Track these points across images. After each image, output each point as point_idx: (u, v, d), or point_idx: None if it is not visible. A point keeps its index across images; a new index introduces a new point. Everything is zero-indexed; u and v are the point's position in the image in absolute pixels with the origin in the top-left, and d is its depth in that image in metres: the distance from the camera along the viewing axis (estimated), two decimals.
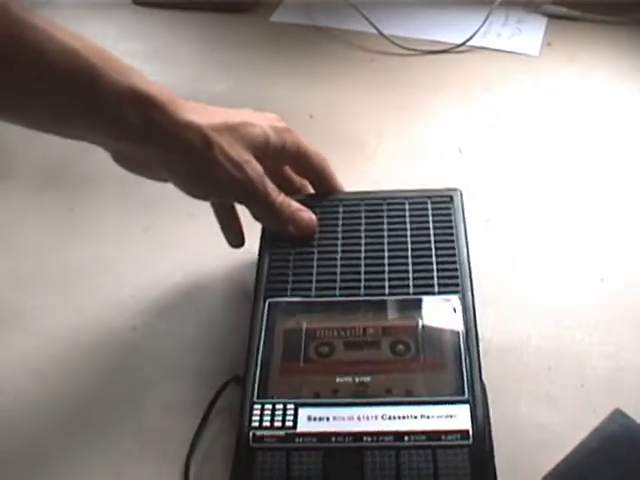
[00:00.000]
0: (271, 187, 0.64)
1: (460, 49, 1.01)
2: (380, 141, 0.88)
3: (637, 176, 0.82)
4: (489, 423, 0.56)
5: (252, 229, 0.69)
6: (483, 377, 0.57)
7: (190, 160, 0.60)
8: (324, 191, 0.70)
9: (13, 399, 0.66)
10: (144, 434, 0.63)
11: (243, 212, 0.68)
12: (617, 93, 0.93)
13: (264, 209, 0.65)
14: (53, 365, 0.68)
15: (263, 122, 0.64)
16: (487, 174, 0.83)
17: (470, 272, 0.63)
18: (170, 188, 0.76)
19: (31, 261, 0.78)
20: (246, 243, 0.71)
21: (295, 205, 0.67)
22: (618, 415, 0.59)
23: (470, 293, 0.61)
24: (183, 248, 0.77)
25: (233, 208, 0.69)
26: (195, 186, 0.63)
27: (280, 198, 0.65)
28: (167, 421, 0.63)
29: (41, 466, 0.61)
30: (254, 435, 0.55)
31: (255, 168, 0.62)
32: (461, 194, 0.69)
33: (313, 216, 0.68)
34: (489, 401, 0.57)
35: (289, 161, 0.68)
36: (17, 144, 0.91)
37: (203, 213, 0.73)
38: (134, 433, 0.63)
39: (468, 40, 1.01)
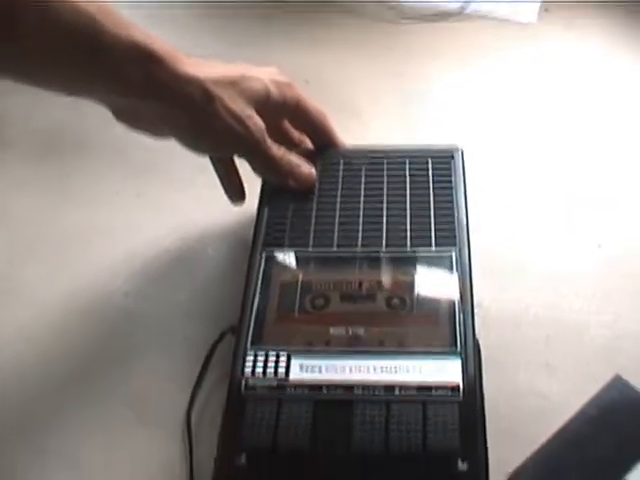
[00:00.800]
0: (271, 141, 0.63)
1: (457, 16, 0.99)
2: (376, 108, 0.87)
3: (634, 141, 0.81)
4: (481, 380, 0.56)
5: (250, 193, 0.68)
6: (477, 334, 0.57)
7: (191, 114, 0.59)
8: (323, 146, 0.69)
9: (7, 364, 0.65)
10: (138, 399, 0.62)
11: (242, 165, 0.66)
12: (614, 59, 0.91)
13: (264, 163, 0.64)
14: (47, 331, 0.67)
15: (264, 76, 0.62)
16: (484, 140, 0.82)
17: (468, 229, 0.62)
18: (163, 154, 0.76)
19: (25, 228, 0.76)
20: (242, 208, 0.70)
21: (295, 159, 0.66)
22: (617, 382, 0.58)
23: (467, 249, 0.60)
24: (177, 213, 0.76)
25: (233, 163, 0.68)
26: (196, 140, 0.62)
27: (280, 152, 0.64)
28: (161, 385, 0.62)
29: (35, 430, 0.61)
30: (246, 383, 0.54)
31: (256, 122, 0.61)
32: (462, 152, 0.68)
33: (313, 170, 0.67)
34: (491, 370, 0.57)
35: (289, 115, 0.67)
36: (12, 113, 0.88)
37: (197, 178, 0.72)
38: (128, 398, 0.62)
39: (465, 7, 0.98)
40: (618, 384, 0.58)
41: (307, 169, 0.66)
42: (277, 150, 0.64)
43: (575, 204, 0.74)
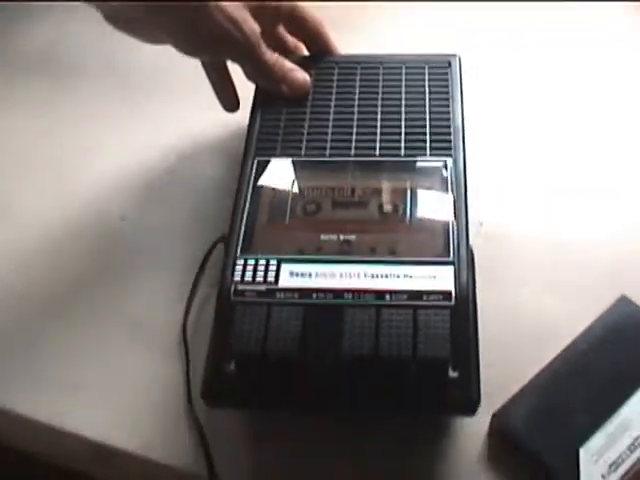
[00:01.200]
0: (265, 46, 0.62)
1: None
2: (375, 22, 0.84)
3: None
4: (474, 287, 0.55)
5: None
6: (471, 242, 0.56)
7: (185, 15, 0.57)
8: (319, 53, 0.67)
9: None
10: (133, 320, 0.61)
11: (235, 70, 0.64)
12: None
13: (258, 67, 0.62)
14: (40, 255, 0.66)
15: None
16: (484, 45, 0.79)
17: (464, 137, 0.60)
18: (157, 72, 0.73)
19: (17, 150, 0.75)
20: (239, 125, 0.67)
21: (289, 65, 0.64)
22: (623, 302, 0.57)
23: (462, 157, 0.59)
24: (172, 132, 0.74)
25: (226, 70, 0.66)
26: (190, 42, 0.60)
27: (274, 57, 0.63)
28: (155, 307, 0.62)
29: (29, 355, 0.60)
30: (235, 289, 0.53)
31: (251, 26, 0.60)
32: (460, 60, 0.66)
33: (307, 76, 0.65)
34: (493, 290, 0.57)
35: (284, 20, 0.65)
36: (4, 33, 0.86)
37: (192, 97, 0.70)
38: (124, 317, 0.62)
39: None
40: (624, 304, 0.57)
41: (301, 75, 0.64)
42: (271, 55, 0.62)
43: (576, 119, 0.73)
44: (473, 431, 0.53)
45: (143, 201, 0.69)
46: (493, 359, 0.54)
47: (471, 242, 0.59)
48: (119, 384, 0.58)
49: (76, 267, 0.65)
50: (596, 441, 0.50)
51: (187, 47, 0.60)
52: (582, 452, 0.50)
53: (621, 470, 0.49)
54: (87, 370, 0.59)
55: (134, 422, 0.57)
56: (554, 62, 0.78)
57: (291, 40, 0.68)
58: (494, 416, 0.53)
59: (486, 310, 0.57)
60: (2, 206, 0.70)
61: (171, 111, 0.76)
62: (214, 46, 0.60)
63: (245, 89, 0.66)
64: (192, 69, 0.67)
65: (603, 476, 0.49)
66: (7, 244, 0.67)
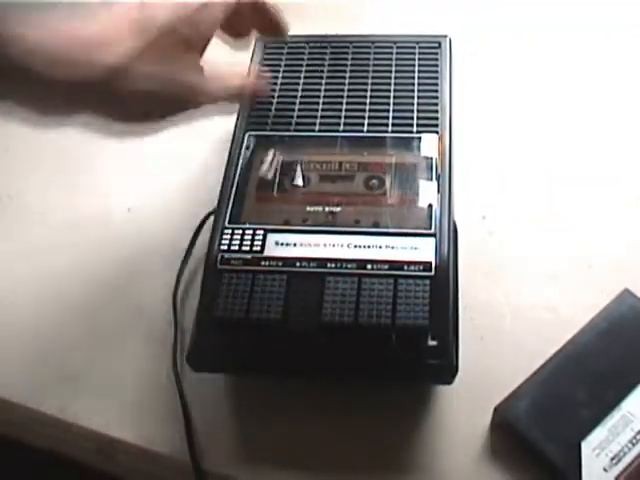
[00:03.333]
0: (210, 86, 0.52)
1: None
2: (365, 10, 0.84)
3: None
4: (456, 260, 0.55)
5: None
6: (454, 217, 0.56)
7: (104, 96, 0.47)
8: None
9: (7, 280, 0.65)
10: (136, 313, 0.62)
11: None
12: None
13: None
14: (44, 245, 0.66)
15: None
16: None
17: (451, 115, 0.60)
18: None
19: (22, 143, 0.74)
20: None
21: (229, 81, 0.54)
22: (627, 295, 0.57)
23: (448, 133, 0.59)
24: (177, 127, 0.73)
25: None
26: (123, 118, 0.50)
27: (212, 87, 0.52)
28: (158, 298, 0.62)
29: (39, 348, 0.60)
30: (222, 257, 0.53)
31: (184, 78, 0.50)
32: (450, 41, 0.66)
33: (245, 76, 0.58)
34: (496, 281, 0.58)
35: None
36: None
37: None
38: (128, 310, 0.62)
39: None
40: (627, 298, 0.57)
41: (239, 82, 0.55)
42: (218, 87, 0.52)
43: (579, 108, 0.72)
44: (475, 424, 0.54)
45: (149, 193, 0.69)
46: (495, 352, 0.56)
47: (475, 236, 0.60)
48: (118, 370, 0.59)
49: (80, 260, 0.65)
50: (598, 434, 0.50)
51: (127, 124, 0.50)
52: (584, 445, 0.50)
53: (623, 463, 0.49)
54: (86, 359, 0.60)
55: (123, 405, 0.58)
56: (556, 48, 0.78)
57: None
58: (496, 410, 0.53)
59: (489, 303, 0.58)
60: (9, 198, 0.70)
61: None
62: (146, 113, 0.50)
63: None
64: None
65: (605, 469, 0.49)
66: (16, 239, 0.67)
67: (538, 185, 0.66)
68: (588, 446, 0.50)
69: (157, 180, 0.70)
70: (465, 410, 0.54)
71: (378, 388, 0.55)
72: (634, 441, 0.50)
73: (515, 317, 0.58)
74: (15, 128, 0.71)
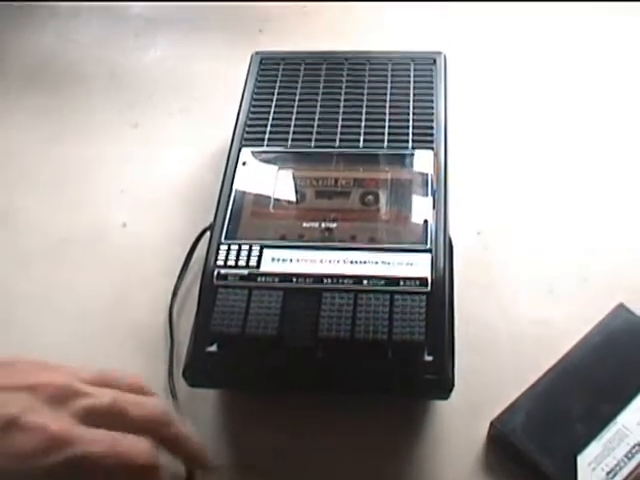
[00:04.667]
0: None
1: None
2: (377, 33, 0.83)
3: None
4: (451, 275, 0.55)
5: None
6: (449, 232, 0.56)
7: None
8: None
9: (5, 298, 0.64)
10: (132, 328, 0.61)
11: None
12: None
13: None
14: (42, 260, 0.66)
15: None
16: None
17: (446, 132, 0.61)
18: (158, 85, 0.73)
19: (19, 160, 0.74)
20: None
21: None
22: (621, 310, 0.57)
23: (443, 150, 0.59)
24: (172, 143, 0.74)
25: None
26: None
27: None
28: (153, 313, 0.61)
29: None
30: (218, 273, 0.53)
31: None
32: (445, 57, 0.66)
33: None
34: (492, 296, 0.58)
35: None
36: (2, 40, 0.85)
37: (193, 107, 0.70)
38: (123, 325, 0.61)
39: None
40: (622, 312, 0.56)
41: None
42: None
43: (576, 127, 0.72)
44: (472, 438, 0.53)
45: (145, 211, 0.69)
46: (491, 367, 0.55)
47: (470, 251, 0.59)
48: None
49: (77, 274, 0.65)
50: (594, 449, 0.50)
51: None
52: (580, 459, 0.49)
53: (618, 478, 0.49)
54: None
55: None
56: (550, 64, 0.78)
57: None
58: (492, 423, 0.52)
59: (485, 317, 0.58)
60: (7, 216, 0.69)
61: (169, 121, 0.75)
62: None
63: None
64: (190, 82, 0.67)
65: None
66: (12, 254, 0.66)
67: (533, 200, 0.66)
68: (584, 460, 0.49)
69: (153, 195, 0.69)
70: (462, 423, 0.53)
71: (375, 401, 0.54)
72: (629, 455, 0.50)
73: (511, 331, 0.58)
74: (14, 145, 0.72)
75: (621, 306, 0.57)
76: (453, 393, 0.50)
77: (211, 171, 0.66)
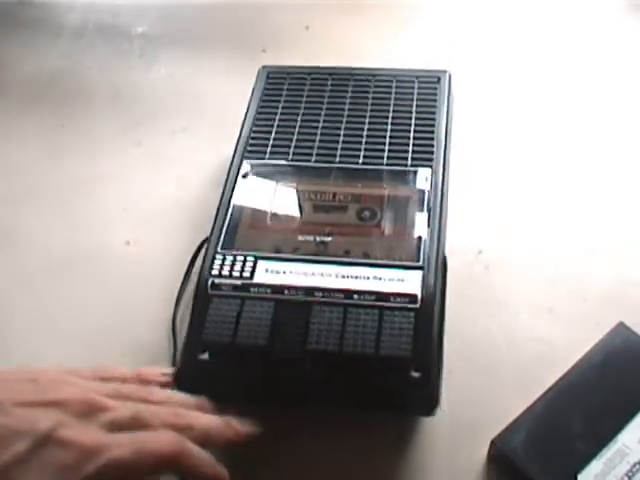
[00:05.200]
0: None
1: None
2: (379, 53, 0.84)
3: None
4: (443, 293, 0.55)
5: None
6: (444, 250, 0.56)
7: None
8: None
9: (7, 314, 0.64)
10: (135, 344, 0.61)
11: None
12: None
13: None
14: (44, 277, 0.66)
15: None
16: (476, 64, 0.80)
17: (446, 150, 0.61)
18: (162, 103, 0.74)
19: (23, 178, 0.74)
20: None
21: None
22: (622, 329, 0.56)
23: (442, 169, 0.60)
24: (176, 162, 0.74)
25: None
26: None
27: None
28: (156, 329, 0.61)
29: None
30: (212, 283, 0.54)
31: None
32: (450, 76, 0.67)
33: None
34: (493, 315, 0.58)
35: None
36: (7, 61, 0.86)
37: (196, 125, 0.71)
38: (126, 342, 0.61)
39: None
40: (622, 331, 0.56)
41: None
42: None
43: (576, 148, 0.72)
44: (472, 457, 0.53)
45: (149, 229, 0.69)
46: (492, 385, 0.55)
47: (471, 270, 0.60)
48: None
49: (80, 292, 0.65)
50: (594, 467, 0.50)
51: None
52: (580, 478, 0.49)
53: None
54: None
55: None
56: (552, 81, 0.78)
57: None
58: (493, 442, 0.52)
59: (485, 336, 0.58)
60: (10, 234, 0.69)
61: (173, 140, 0.76)
62: None
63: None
64: (193, 101, 0.68)
65: None
66: (14, 271, 0.66)
67: (533, 220, 0.66)
68: (584, 479, 0.49)
69: (156, 213, 0.69)
70: (462, 443, 0.53)
71: (372, 419, 0.54)
72: (630, 474, 0.49)
73: (511, 350, 0.58)
74: (17, 163, 0.73)
75: (621, 325, 0.57)
76: (454, 412, 0.51)
77: (214, 189, 0.65)
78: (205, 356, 0.52)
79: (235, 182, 0.60)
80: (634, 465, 0.50)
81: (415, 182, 0.59)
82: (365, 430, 0.54)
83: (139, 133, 0.76)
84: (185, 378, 0.52)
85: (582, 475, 0.49)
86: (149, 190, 0.71)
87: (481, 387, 0.55)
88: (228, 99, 0.75)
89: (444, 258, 0.56)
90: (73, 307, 0.63)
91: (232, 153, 0.62)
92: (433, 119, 0.63)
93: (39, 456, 0.40)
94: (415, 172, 0.59)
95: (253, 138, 0.63)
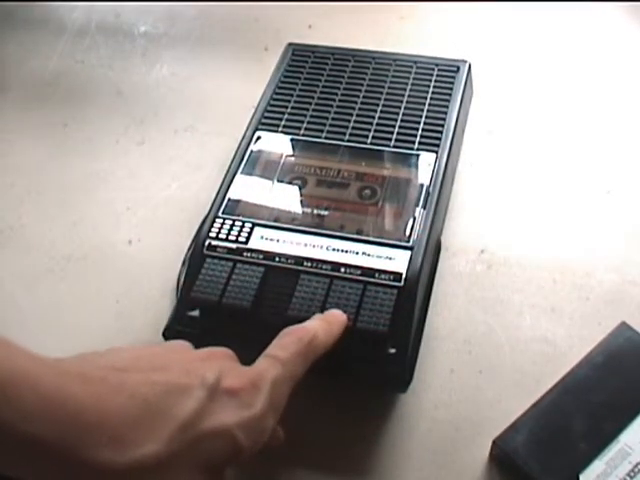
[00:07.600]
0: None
1: None
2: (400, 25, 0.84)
3: None
4: (432, 275, 0.56)
5: None
6: (439, 234, 0.57)
7: None
8: None
9: (7, 311, 0.64)
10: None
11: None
12: None
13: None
14: (47, 277, 0.66)
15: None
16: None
17: (453, 138, 0.61)
18: (164, 102, 0.75)
19: (25, 177, 0.74)
20: None
21: None
22: (624, 328, 0.56)
23: (446, 155, 0.60)
24: (178, 161, 0.73)
25: None
26: None
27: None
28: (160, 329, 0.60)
29: None
30: (209, 244, 0.56)
31: None
32: (469, 66, 0.67)
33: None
34: (496, 314, 0.58)
35: None
36: (9, 60, 0.86)
37: (199, 124, 0.71)
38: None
39: None
40: (624, 330, 0.56)
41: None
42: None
43: (585, 142, 0.72)
44: (474, 456, 0.53)
45: (151, 228, 0.69)
46: (493, 385, 0.56)
47: (473, 269, 0.61)
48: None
49: (83, 291, 0.65)
50: (596, 467, 0.50)
51: None
52: (582, 478, 0.49)
53: None
54: None
55: None
56: (565, 87, 0.77)
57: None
58: (495, 442, 0.52)
59: (487, 335, 0.58)
60: (12, 233, 0.69)
61: (175, 138, 0.76)
62: None
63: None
64: (195, 100, 0.68)
65: None
66: (16, 269, 0.67)
67: (536, 219, 0.66)
68: (586, 479, 0.49)
69: (158, 212, 0.69)
70: (464, 442, 0.54)
71: (372, 417, 0.55)
72: (632, 474, 0.49)
73: (513, 350, 0.58)
74: (19, 162, 0.74)
75: (624, 324, 0.56)
76: (456, 411, 0.52)
77: (217, 188, 0.64)
78: (196, 313, 0.54)
79: (245, 150, 0.62)
80: (636, 465, 0.49)
81: (417, 166, 0.59)
82: (365, 430, 0.55)
83: (142, 132, 0.76)
84: (173, 332, 0.54)
85: (584, 475, 0.49)
86: (152, 189, 0.71)
87: (483, 387, 0.56)
88: (231, 98, 0.76)
89: (438, 242, 0.57)
90: (75, 306, 0.64)
91: (247, 123, 0.64)
92: (446, 106, 0.63)
93: (216, 402, 0.41)
94: (418, 156, 0.60)
95: (269, 111, 0.65)
